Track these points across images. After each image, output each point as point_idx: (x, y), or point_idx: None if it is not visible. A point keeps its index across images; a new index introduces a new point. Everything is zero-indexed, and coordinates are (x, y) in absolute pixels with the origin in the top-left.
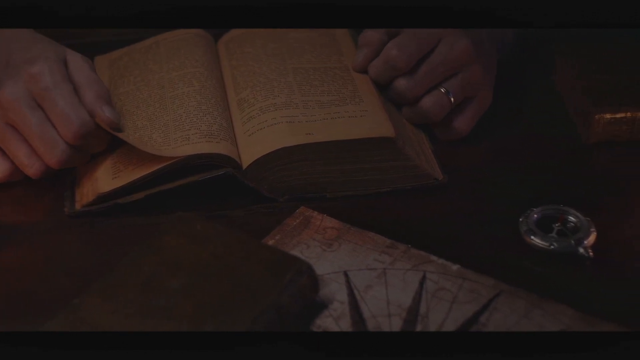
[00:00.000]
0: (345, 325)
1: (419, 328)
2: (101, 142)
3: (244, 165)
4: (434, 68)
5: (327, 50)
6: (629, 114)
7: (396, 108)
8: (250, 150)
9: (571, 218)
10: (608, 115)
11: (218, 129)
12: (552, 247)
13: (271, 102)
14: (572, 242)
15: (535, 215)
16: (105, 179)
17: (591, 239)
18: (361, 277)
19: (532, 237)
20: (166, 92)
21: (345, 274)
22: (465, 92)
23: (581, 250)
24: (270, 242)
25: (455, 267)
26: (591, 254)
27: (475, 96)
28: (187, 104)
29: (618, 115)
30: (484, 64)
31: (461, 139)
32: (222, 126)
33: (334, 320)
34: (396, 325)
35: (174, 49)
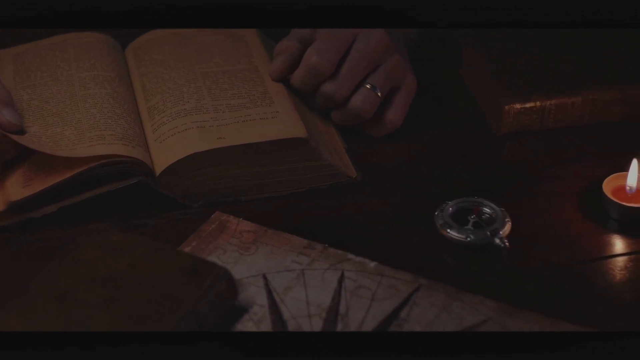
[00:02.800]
0: (266, 328)
1: (339, 327)
2: (9, 148)
3: (157, 173)
4: (355, 65)
5: (236, 52)
6: (538, 104)
7: (309, 108)
8: (163, 157)
9: (486, 209)
10: (518, 106)
11: (133, 134)
12: (468, 239)
13: (181, 108)
14: (488, 233)
15: (451, 209)
16: (16, 187)
17: (506, 229)
18: (280, 279)
19: (449, 230)
20: (77, 90)
21: (264, 277)
22: (390, 82)
23: (497, 240)
24: (187, 249)
25: (372, 264)
26: (507, 244)
27: (401, 84)
28: (101, 105)
29: (528, 105)
30: (400, 51)
31: (396, 130)
32: (136, 132)
33: (254, 324)
34: (317, 325)
35: (83, 49)
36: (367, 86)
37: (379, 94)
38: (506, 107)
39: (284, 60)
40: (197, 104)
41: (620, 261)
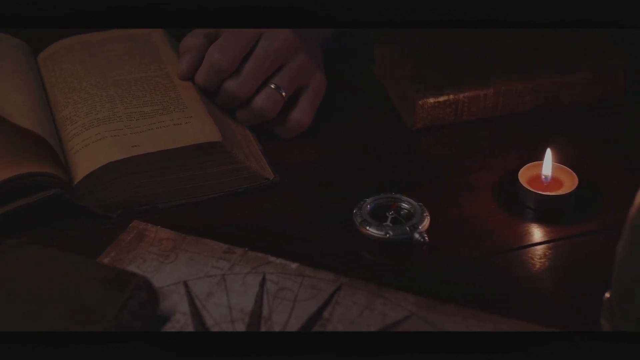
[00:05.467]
0: None
1: (263, 330)
2: None
3: (73, 184)
4: (259, 63)
5: (146, 59)
6: (451, 97)
7: (223, 111)
8: (78, 168)
9: (404, 205)
10: (431, 100)
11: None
12: (387, 235)
13: (94, 118)
14: (407, 228)
15: (369, 206)
16: None
17: (425, 223)
18: (201, 286)
19: (368, 227)
20: None
21: (185, 284)
22: (295, 82)
23: (417, 235)
24: (106, 260)
25: (294, 265)
26: (426, 238)
27: (308, 84)
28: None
29: (441, 99)
30: (308, 50)
31: (305, 130)
32: (54, 142)
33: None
34: (240, 330)
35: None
36: (272, 86)
37: (283, 94)
38: (419, 102)
39: (189, 60)
40: (110, 113)
41: (539, 250)
